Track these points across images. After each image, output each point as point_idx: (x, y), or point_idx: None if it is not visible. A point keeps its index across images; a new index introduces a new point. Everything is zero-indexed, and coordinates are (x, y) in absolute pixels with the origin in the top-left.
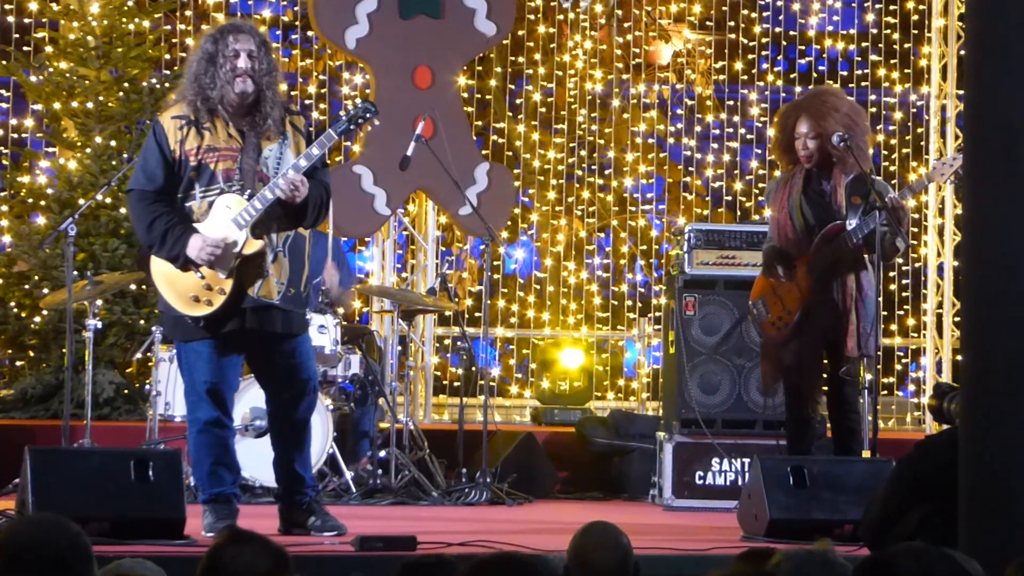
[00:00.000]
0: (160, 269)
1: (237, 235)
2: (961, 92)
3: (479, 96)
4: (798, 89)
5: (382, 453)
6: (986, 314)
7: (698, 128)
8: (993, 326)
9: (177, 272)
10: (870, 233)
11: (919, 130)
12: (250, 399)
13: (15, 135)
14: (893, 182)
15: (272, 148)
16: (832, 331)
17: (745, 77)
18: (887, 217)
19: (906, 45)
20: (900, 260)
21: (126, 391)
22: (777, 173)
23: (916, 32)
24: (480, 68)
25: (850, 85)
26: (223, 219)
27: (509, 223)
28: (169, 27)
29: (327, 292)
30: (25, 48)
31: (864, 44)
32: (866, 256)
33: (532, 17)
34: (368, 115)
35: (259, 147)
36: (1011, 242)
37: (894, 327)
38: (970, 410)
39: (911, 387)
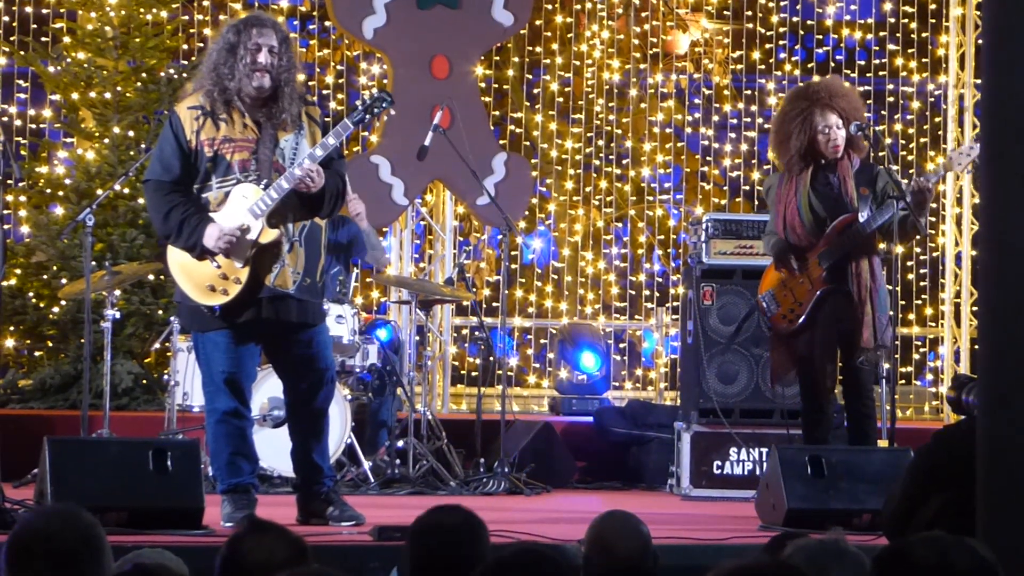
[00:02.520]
0: (177, 259)
1: (253, 224)
2: (979, 81)
3: (496, 86)
4: (816, 79)
5: (400, 443)
6: (1004, 303)
7: (716, 118)
8: (1011, 315)
9: (194, 262)
10: (885, 223)
11: (937, 119)
12: (268, 389)
13: (33, 125)
14: (911, 171)
15: (288, 139)
16: (847, 321)
17: (763, 66)
18: (911, 201)
19: (924, 34)
20: (918, 249)
21: (144, 381)
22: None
23: (934, 21)
24: (497, 58)
25: (867, 75)
26: (239, 208)
27: (527, 213)
28: (187, 17)
29: (359, 222)
30: (43, 39)
31: (882, 33)
32: (881, 246)
33: (549, 7)
34: (384, 104)
35: (275, 138)
36: None
37: (912, 316)
38: (988, 399)
39: (929, 376)
